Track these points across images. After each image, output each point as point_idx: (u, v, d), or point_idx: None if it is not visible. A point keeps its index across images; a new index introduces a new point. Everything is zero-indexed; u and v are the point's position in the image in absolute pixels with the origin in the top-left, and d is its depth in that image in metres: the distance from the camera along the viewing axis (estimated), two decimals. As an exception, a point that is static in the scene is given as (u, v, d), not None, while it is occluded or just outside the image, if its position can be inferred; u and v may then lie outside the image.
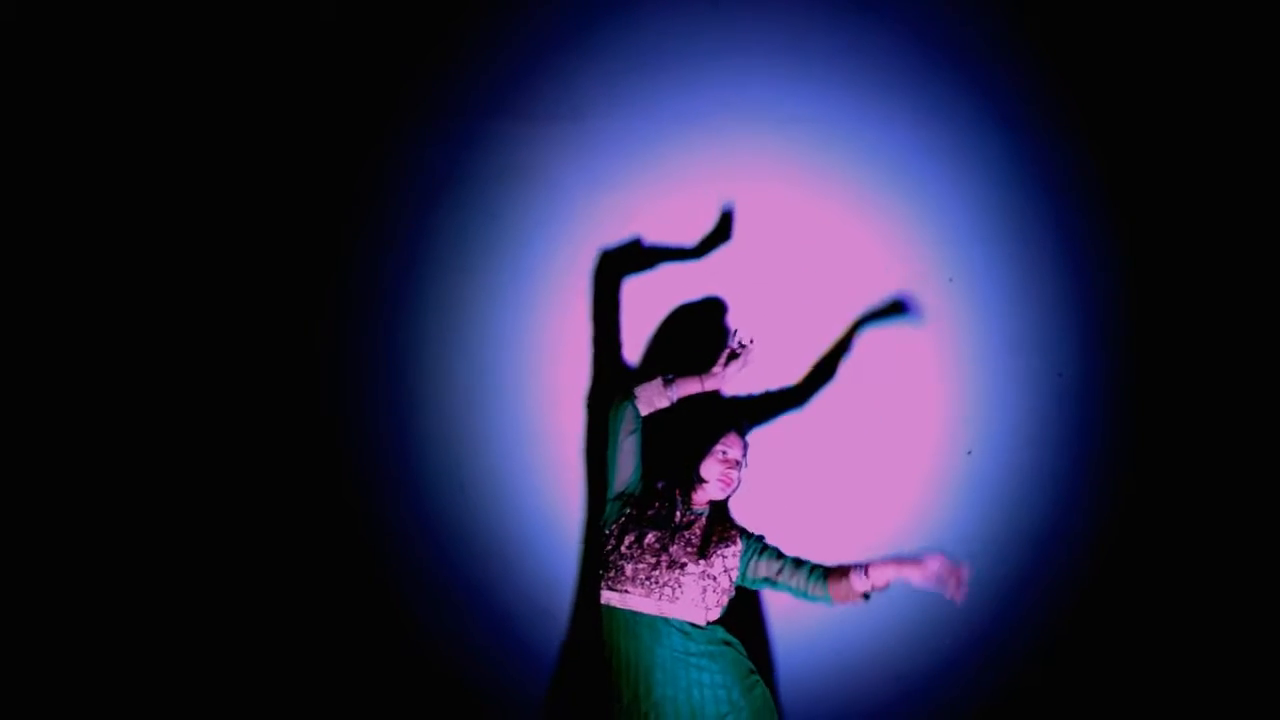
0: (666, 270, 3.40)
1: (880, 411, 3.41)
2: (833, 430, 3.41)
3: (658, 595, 2.92)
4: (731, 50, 3.36)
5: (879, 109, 3.38)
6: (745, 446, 3.06)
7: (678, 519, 3.02)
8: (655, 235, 3.39)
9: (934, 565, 2.77)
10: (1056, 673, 3.47)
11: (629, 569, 2.96)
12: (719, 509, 3.07)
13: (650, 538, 2.98)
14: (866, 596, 2.88)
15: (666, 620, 2.92)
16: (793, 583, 2.95)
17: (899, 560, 2.84)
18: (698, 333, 3.39)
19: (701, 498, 3.04)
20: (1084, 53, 3.40)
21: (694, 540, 2.99)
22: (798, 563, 2.97)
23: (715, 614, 2.98)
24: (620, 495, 3.07)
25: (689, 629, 2.93)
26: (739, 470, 3.03)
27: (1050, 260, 3.42)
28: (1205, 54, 3.41)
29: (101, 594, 3.39)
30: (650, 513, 3.02)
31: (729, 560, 2.99)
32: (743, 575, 3.00)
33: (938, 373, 3.42)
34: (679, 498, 3.02)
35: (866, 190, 3.40)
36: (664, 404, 3.04)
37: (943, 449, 3.42)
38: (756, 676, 3.00)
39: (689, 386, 3.06)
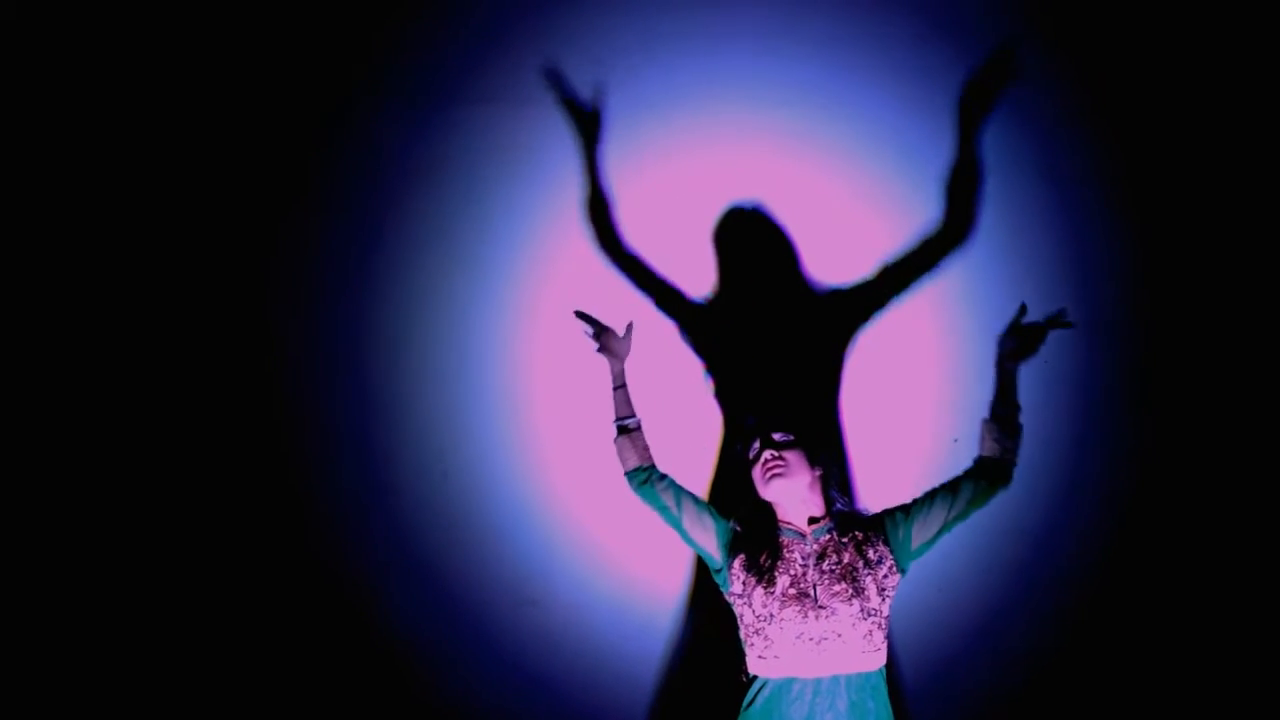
0: (655, 255, 3.39)
1: (871, 397, 3.39)
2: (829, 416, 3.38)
3: (818, 653, 2.53)
4: (726, 29, 3.35)
5: (879, 91, 3.37)
6: (777, 431, 2.69)
7: (797, 553, 2.62)
8: (644, 219, 3.39)
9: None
10: (1056, 664, 3.44)
11: (772, 631, 2.57)
12: (846, 518, 2.68)
13: (784, 584, 2.59)
14: (1006, 438, 2.62)
15: (835, 679, 2.54)
16: (962, 509, 2.60)
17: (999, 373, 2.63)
18: (689, 316, 3.39)
19: (785, 511, 2.68)
20: (1091, 44, 3.38)
21: (835, 570, 2.59)
22: (951, 487, 2.62)
23: (883, 652, 2.59)
24: (723, 563, 2.69)
25: (861, 682, 2.55)
26: (783, 453, 2.63)
27: (1042, 248, 3.39)
28: (1214, 48, 3.36)
29: (75, 582, 3.40)
30: (763, 560, 2.63)
31: (884, 577, 2.60)
32: (908, 561, 2.63)
33: (928, 359, 3.40)
34: (775, 527, 2.67)
35: (863, 172, 3.39)
36: (641, 440, 2.77)
37: (930, 436, 3.38)
38: None
39: (619, 402, 2.81)
